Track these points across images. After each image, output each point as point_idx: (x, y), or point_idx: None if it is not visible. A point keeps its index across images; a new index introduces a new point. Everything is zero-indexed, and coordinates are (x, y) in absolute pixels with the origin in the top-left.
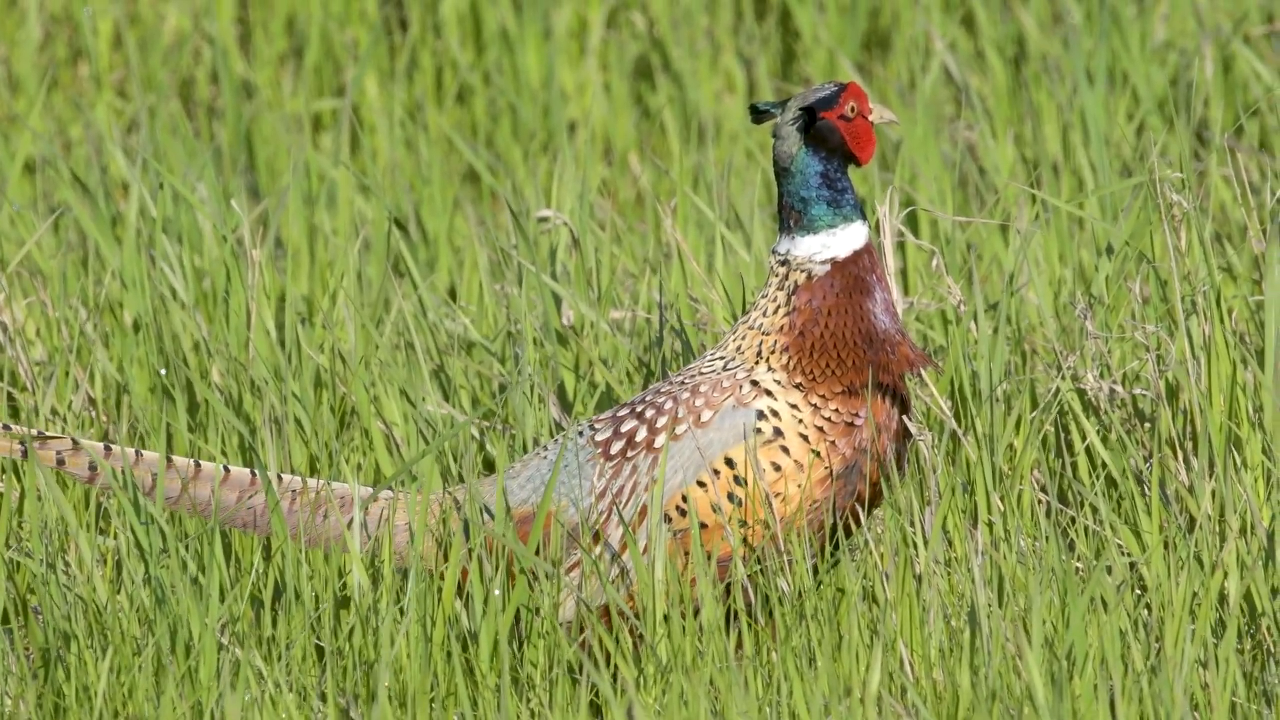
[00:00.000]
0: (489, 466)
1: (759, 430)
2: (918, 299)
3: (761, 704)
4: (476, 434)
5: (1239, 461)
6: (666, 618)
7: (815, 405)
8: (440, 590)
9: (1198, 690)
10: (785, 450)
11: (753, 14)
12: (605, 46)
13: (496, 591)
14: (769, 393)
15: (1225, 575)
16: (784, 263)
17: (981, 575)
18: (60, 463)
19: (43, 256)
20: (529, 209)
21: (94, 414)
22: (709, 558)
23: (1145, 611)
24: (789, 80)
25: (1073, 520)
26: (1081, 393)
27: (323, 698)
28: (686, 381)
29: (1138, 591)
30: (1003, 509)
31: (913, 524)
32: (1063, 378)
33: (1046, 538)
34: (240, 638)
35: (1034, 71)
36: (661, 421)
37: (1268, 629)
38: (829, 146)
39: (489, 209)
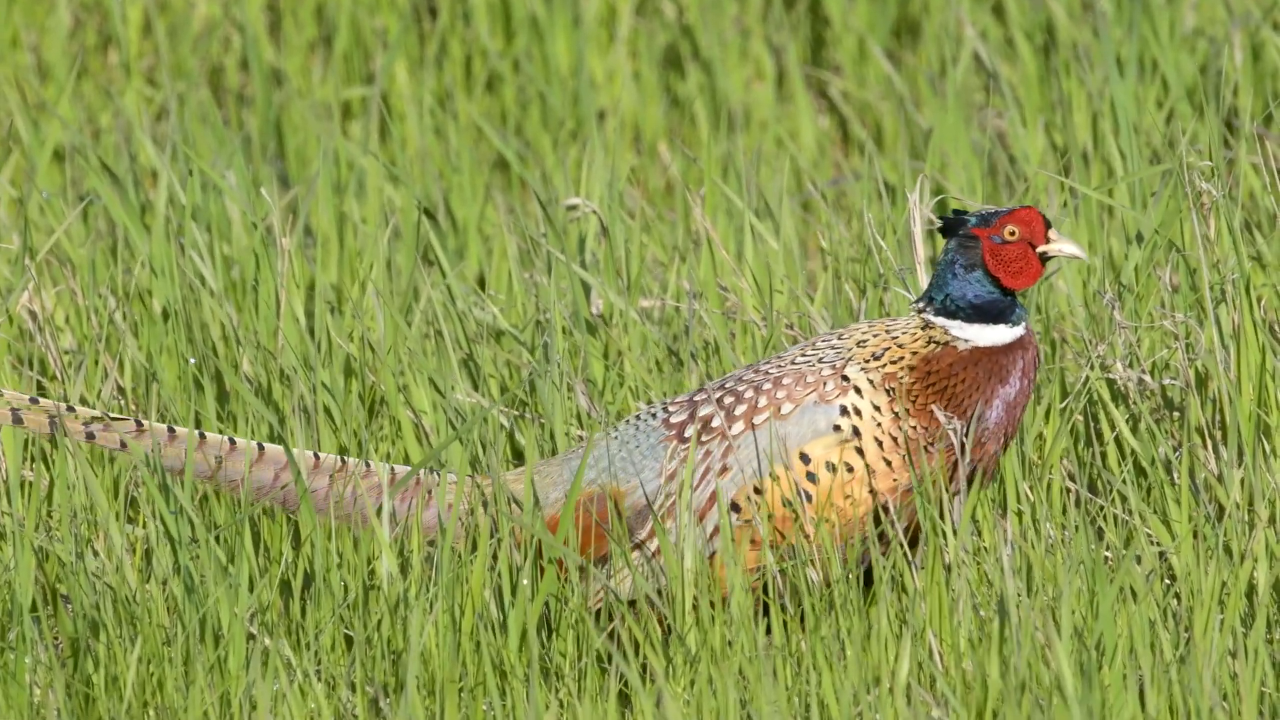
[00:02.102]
0: (517, 455)
1: (837, 428)
2: None
3: (790, 694)
4: (505, 422)
5: (1268, 450)
6: (695, 607)
7: (897, 415)
8: (469, 579)
9: (1227, 680)
10: (860, 452)
11: (782, 2)
12: (634, 34)
13: (525, 581)
14: (857, 389)
15: (1255, 564)
16: (925, 325)
17: (1010, 565)
18: (124, 446)
19: (72, 245)
20: (558, 197)
21: (123, 403)
22: (771, 548)
23: (1174, 601)
24: (820, 67)
25: (1101, 509)
26: (1110, 382)
27: (351, 687)
28: (771, 371)
29: (1167, 581)
30: (1031, 498)
31: (942, 514)
32: (1091, 367)
33: (1076, 527)
34: (269, 627)
35: (1064, 59)
36: (740, 409)
37: None
38: (968, 261)
39: (518, 197)
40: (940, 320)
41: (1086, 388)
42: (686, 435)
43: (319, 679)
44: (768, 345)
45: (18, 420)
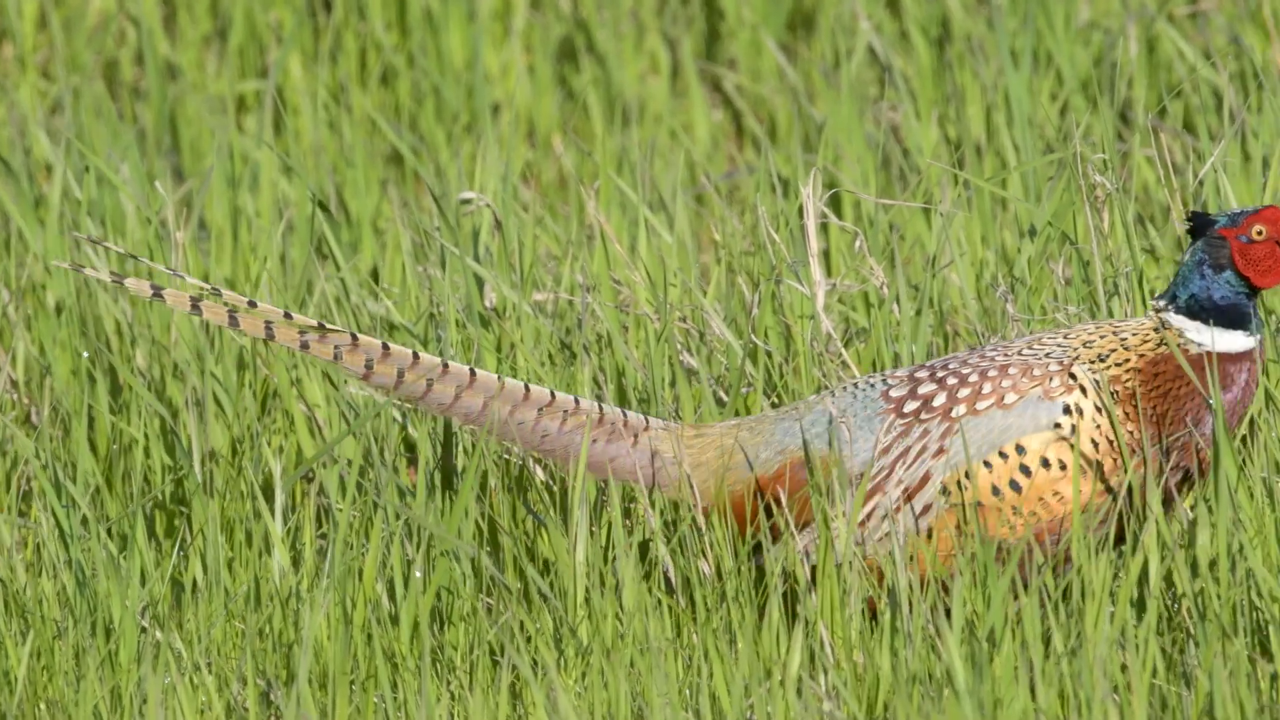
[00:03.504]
0: (410, 448)
1: (1057, 425)
2: (840, 281)
3: (682, 686)
4: (398, 416)
5: None
6: (588, 599)
7: (1117, 419)
8: (360, 572)
9: (1117, 672)
10: (1076, 450)
11: None
12: (529, 28)
13: (418, 574)
14: (1082, 389)
15: (1146, 557)
16: (1158, 327)
17: (902, 557)
18: (338, 358)
19: None
20: (452, 191)
21: (15, 396)
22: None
23: (1065, 593)
24: (714, 60)
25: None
26: None
27: (243, 680)
28: (998, 359)
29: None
30: None
31: (833, 505)
32: None
33: (968, 519)
34: (161, 620)
35: (958, 52)
36: (964, 393)
37: (1188, 611)
38: (1216, 262)
39: (413, 191)
40: (1180, 320)
41: None
42: (906, 411)
43: (210, 672)
44: (660, 338)
45: (234, 323)
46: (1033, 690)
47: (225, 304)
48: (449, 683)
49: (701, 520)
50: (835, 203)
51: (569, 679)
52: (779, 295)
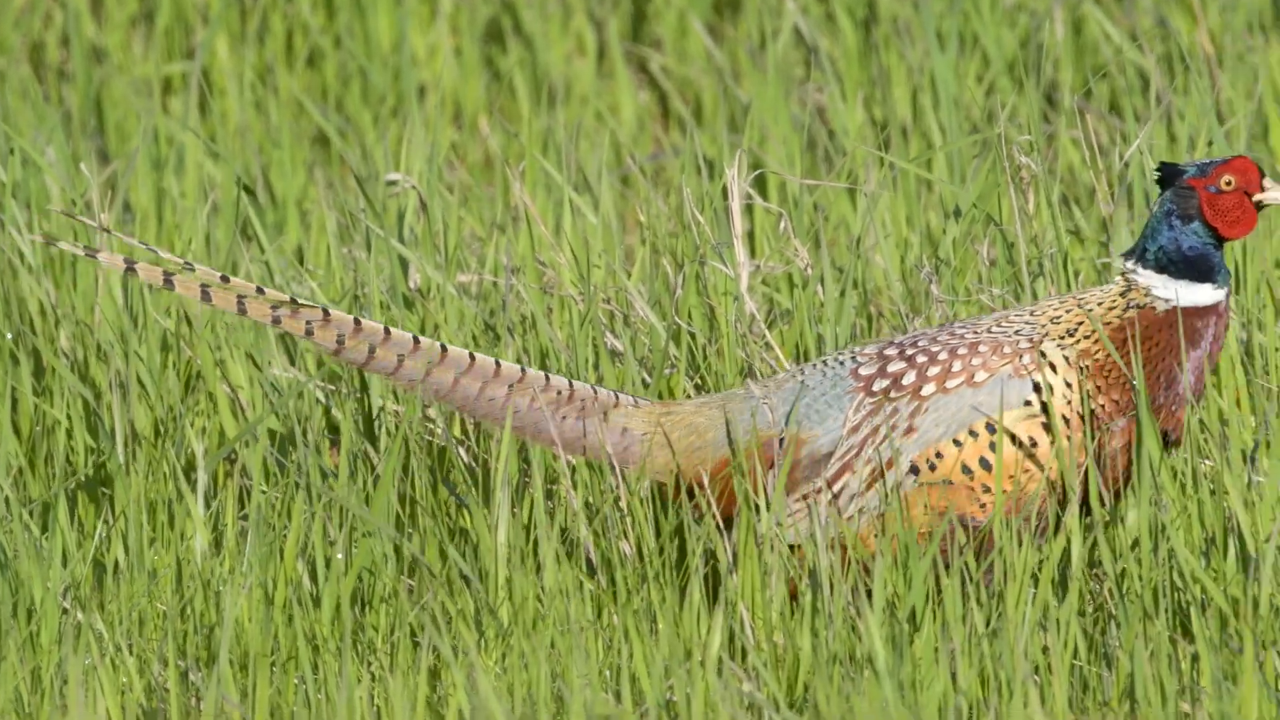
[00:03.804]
0: (333, 429)
1: (1028, 403)
2: (765, 262)
3: (602, 667)
4: (321, 397)
5: None
6: (509, 581)
7: (1087, 393)
8: (282, 553)
9: (1038, 653)
10: (1047, 428)
11: None
12: (456, 10)
13: (340, 555)
14: (1053, 366)
15: (1069, 539)
16: (1125, 290)
17: (824, 538)
18: (309, 333)
19: None
20: (378, 172)
21: None
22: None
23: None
24: (640, 41)
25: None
26: None
27: (164, 662)
28: (968, 336)
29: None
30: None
31: (757, 488)
32: None
33: (889, 501)
34: (82, 602)
35: (885, 34)
36: (933, 371)
37: (1109, 591)
38: (1184, 212)
39: (338, 172)
40: (1147, 276)
41: None
42: (875, 389)
43: (131, 653)
44: (585, 320)
45: (207, 298)
46: (953, 671)
47: (199, 279)
48: (370, 664)
49: (684, 500)
50: (760, 184)
51: (489, 660)
52: (703, 276)
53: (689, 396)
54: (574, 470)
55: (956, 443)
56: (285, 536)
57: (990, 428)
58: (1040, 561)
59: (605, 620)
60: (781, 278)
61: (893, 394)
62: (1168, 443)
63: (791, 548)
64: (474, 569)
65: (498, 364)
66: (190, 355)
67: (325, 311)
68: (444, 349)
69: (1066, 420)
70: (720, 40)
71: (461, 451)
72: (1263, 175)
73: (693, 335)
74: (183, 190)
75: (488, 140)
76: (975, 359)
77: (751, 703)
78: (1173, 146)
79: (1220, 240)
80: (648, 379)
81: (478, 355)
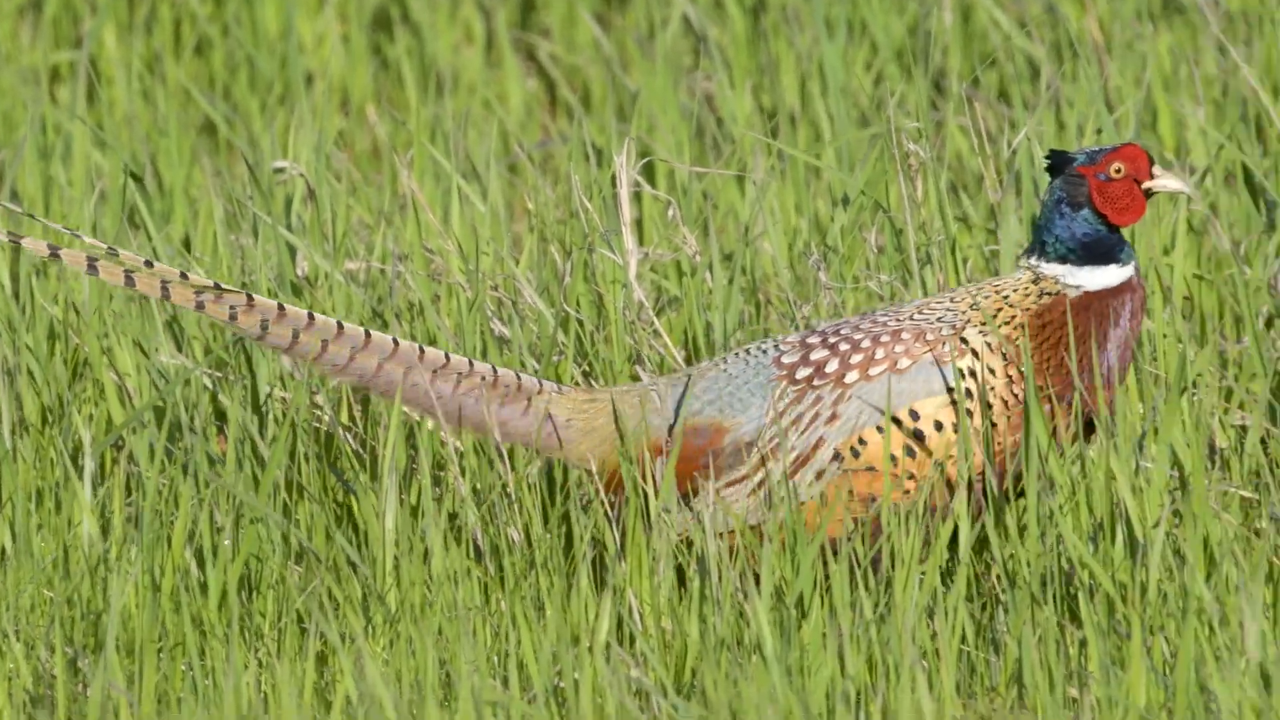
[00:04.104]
0: (220, 416)
1: (951, 389)
2: (653, 250)
3: (490, 653)
4: (209, 384)
5: None
6: (397, 567)
7: (1012, 378)
8: (169, 540)
9: (926, 638)
10: (970, 414)
11: None
12: None
13: (227, 542)
14: (975, 353)
15: (956, 524)
16: (1035, 279)
17: (712, 524)
18: (233, 319)
19: None
20: (265, 160)
21: None
22: (871, 501)
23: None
24: (529, 30)
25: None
26: None
27: (50, 648)
28: (890, 324)
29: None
30: None
31: (644, 474)
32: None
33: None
34: None
35: (773, 21)
36: (856, 358)
37: (998, 577)
38: (1074, 200)
39: (226, 161)
40: (1051, 268)
41: None
42: (798, 377)
43: (18, 640)
44: (472, 307)
45: (130, 282)
46: (841, 657)
47: (121, 264)
48: (257, 650)
49: (601, 487)
50: (649, 172)
51: (377, 646)
52: (591, 264)
53: (597, 385)
54: (461, 456)
55: (879, 430)
56: (173, 523)
57: (914, 414)
58: (925, 545)
59: (493, 606)
60: (670, 265)
61: (815, 382)
62: (1092, 428)
63: (752, 528)
64: (362, 555)
65: (422, 350)
66: (78, 343)
67: (250, 297)
68: (368, 335)
69: (990, 406)
70: (609, 29)
71: (349, 438)
72: (1152, 163)
73: (581, 323)
74: (70, 179)
75: (375, 128)
76: (898, 346)
77: (639, 688)
78: (1061, 134)
79: (1111, 228)
80: (536, 366)
81: (403, 342)
